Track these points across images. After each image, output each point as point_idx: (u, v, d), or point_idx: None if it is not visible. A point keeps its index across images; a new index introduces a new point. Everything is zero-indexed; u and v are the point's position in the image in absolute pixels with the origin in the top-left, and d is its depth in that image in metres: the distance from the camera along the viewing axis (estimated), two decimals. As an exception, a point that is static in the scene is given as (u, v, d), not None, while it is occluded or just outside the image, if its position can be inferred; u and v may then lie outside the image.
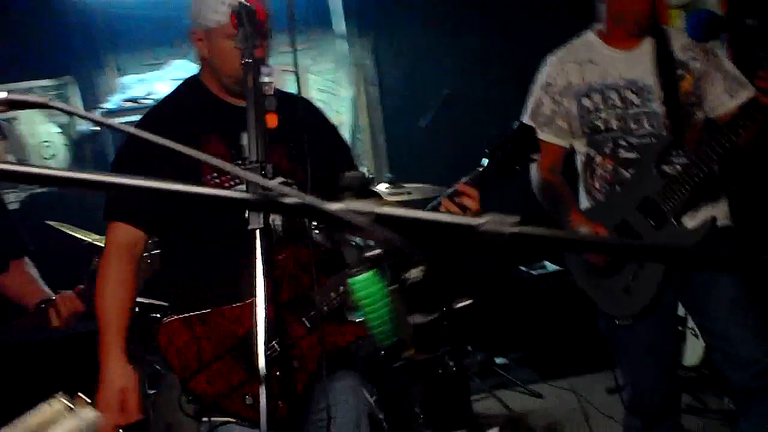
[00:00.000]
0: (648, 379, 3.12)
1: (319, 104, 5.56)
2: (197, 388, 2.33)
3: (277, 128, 2.38)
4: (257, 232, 1.75)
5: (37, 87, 5.59)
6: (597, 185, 3.15)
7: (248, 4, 2.05)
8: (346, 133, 5.89)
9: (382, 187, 4.71)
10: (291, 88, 5.56)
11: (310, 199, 0.96)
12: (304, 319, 2.42)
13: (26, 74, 5.40)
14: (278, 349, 2.35)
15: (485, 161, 2.41)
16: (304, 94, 5.77)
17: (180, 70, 5.65)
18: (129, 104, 5.47)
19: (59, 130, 5.75)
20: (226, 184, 2.40)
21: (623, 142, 3.05)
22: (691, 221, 2.96)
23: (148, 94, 5.51)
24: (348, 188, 2.23)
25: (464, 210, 2.36)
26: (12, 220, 3.19)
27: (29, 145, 5.59)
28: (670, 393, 3.15)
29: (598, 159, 3.12)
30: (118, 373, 2.31)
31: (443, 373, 3.67)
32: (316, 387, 2.48)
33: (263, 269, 1.82)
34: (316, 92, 6.00)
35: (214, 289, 2.41)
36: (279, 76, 2.00)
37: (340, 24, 5.87)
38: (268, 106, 1.87)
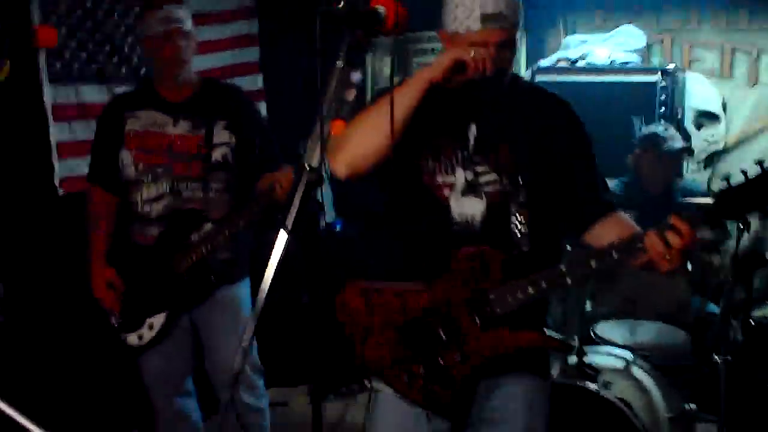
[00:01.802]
0: None
1: None
2: (365, 352, 2.52)
3: (510, 123, 2.48)
4: (282, 230, 1.79)
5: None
6: None
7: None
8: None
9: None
10: (741, 64, 5.39)
11: None
12: (476, 315, 2.42)
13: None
14: (444, 338, 2.43)
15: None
16: (754, 77, 5.64)
17: (624, 35, 5.69)
18: (561, 64, 5.64)
19: None
20: (438, 172, 2.52)
21: None
22: None
23: (582, 57, 5.61)
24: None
25: (669, 248, 2.19)
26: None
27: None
28: None
29: None
30: None
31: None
32: (483, 385, 2.52)
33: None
34: (767, 77, 5.59)
35: (402, 262, 2.56)
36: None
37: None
38: (342, 112, 1.92)
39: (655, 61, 5.79)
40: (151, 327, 3.59)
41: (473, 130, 2.50)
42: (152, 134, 3.59)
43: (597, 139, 4.95)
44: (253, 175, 3.63)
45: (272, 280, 1.84)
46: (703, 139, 5.68)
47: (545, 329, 2.64)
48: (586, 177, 2.59)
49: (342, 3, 1.99)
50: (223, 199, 3.61)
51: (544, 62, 5.72)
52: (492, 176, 2.48)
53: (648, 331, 4.25)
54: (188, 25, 3.57)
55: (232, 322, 3.60)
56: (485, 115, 2.51)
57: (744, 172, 2.14)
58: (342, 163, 2.43)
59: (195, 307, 3.65)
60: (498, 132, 2.50)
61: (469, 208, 2.48)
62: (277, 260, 1.81)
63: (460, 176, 2.49)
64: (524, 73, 5.83)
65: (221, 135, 3.59)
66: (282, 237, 1.82)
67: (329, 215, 5.66)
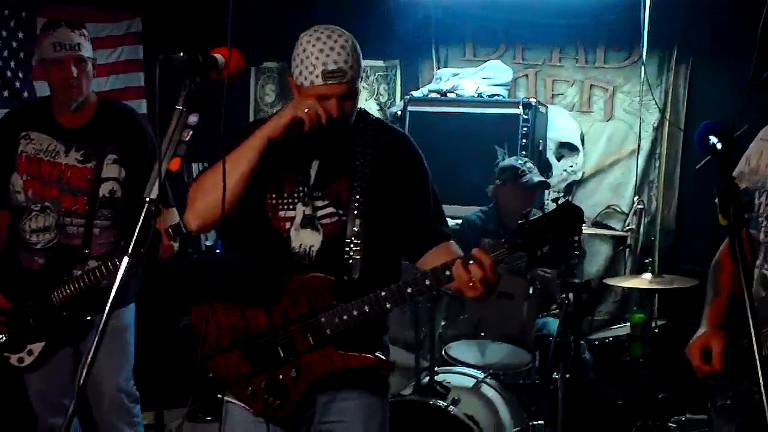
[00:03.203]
0: None
1: (621, 125, 5.88)
2: (215, 369, 2.73)
3: (351, 158, 2.72)
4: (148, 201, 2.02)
5: (369, 66, 6.40)
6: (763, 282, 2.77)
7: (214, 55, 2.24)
8: (641, 159, 5.89)
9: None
10: (598, 100, 5.81)
11: None
12: (309, 334, 2.64)
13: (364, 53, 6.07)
14: (282, 355, 2.66)
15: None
16: (609, 111, 6.02)
17: (491, 70, 6.00)
18: (432, 95, 5.89)
19: (378, 108, 6.45)
20: (280, 208, 2.73)
21: None
22: None
23: (453, 89, 5.89)
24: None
25: (471, 277, 2.42)
26: None
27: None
28: None
29: None
30: None
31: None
32: (321, 399, 2.73)
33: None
34: (621, 112, 5.99)
35: (247, 288, 2.77)
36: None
37: (656, 47, 5.78)
38: (179, 151, 2.08)
39: (521, 94, 6.12)
40: (30, 353, 3.66)
41: (315, 167, 2.73)
42: (44, 162, 3.65)
43: (462, 168, 5.41)
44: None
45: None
46: (563, 169, 6.01)
47: (382, 350, 2.80)
48: (420, 208, 2.80)
49: (182, 53, 2.15)
50: (107, 236, 3.69)
51: (416, 93, 5.98)
52: (329, 210, 2.71)
53: (496, 352, 4.52)
54: (84, 50, 3.59)
55: (112, 348, 3.65)
56: (327, 153, 2.73)
57: (541, 208, 2.38)
58: (192, 219, 2.69)
59: (75, 340, 3.70)
60: (338, 168, 2.73)
61: (307, 239, 2.70)
62: (118, 285, 1.98)
63: (300, 211, 2.71)
64: (398, 103, 6.09)
65: (110, 169, 3.65)
66: (125, 263, 1.99)
67: (211, 237, 5.81)
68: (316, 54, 2.55)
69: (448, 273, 2.49)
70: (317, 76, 2.55)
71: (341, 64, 2.55)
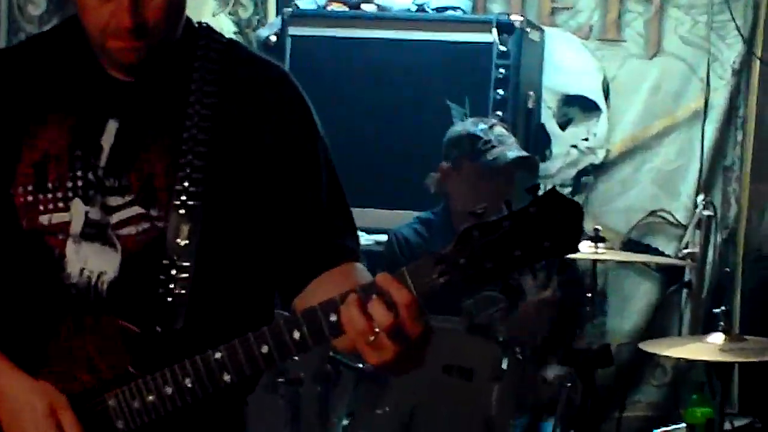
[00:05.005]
0: None
1: (676, 65, 6.06)
2: None
3: (177, 112, 2.64)
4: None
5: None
6: None
7: None
8: (710, 128, 5.77)
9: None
10: (635, 20, 5.56)
11: None
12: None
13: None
14: None
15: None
16: (655, 41, 5.91)
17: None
18: (334, 6, 5.88)
19: (236, 29, 6.38)
20: (41, 208, 2.64)
21: None
22: None
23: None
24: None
25: (373, 325, 2.19)
26: None
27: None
28: None
29: None
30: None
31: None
32: None
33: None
34: (675, 42, 5.87)
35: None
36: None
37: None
38: None
39: (495, 8, 6.05)
40: None
41: (111, 130, 2.66)
42: None
43: (388, 144, 5.39)
44: None
45: None
46: (571, 145, 5.94)
47: None
48: (305, 200, 2.72)
49: None
50: None
51: (304, 3, 5.92)
52: (133, 210, 2.63)
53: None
54: None
55: None
56: (133, 105, 2.68)
57: (507, 202, 2.18)
58: None
59: None
60: (152, 131, 2.66)
61: (94, 261, 2.63)
62: None
63: (79, 213, 2.63)
64: (272, 21, 6.08)
65: None
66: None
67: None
68: None
69: (333, 318, 2.30)
70: None
71: None
